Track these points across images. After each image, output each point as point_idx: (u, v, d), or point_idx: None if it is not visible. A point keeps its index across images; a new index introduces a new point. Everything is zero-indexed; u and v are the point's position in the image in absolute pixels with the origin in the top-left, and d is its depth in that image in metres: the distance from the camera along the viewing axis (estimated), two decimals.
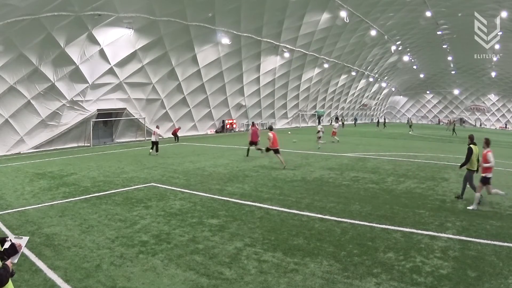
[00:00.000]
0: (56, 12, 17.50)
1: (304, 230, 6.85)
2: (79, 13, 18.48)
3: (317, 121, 52.27)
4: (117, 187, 10.71)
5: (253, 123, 21.24)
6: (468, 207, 8.55)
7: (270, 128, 15.66)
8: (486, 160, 8.54)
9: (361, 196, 9.59)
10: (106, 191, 10.20)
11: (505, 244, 6.18)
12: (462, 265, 5.32)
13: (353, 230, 6.90)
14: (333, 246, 6.06)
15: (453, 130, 41.00)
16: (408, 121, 53.86)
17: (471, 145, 9.39)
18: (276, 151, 14.60)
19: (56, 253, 5.81)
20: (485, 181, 8.58)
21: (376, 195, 9.72)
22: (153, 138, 18.61)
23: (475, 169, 9.24)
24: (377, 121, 60.27)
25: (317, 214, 7.90)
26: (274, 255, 5.72)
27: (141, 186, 10.93)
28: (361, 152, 18.28)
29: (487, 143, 8.94)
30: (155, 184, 11.09)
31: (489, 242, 6.27)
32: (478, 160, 9.23)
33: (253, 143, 17.09)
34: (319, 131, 22.49)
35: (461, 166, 9.50)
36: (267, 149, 14.94)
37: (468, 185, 9.42)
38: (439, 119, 68.95)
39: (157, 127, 19.82)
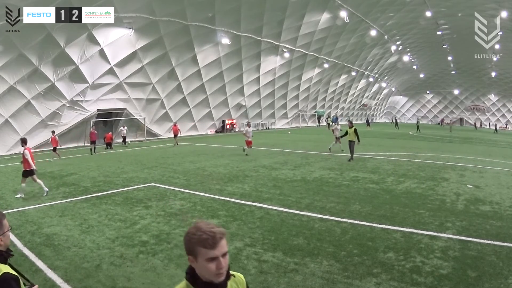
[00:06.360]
0: None
1: (304, 230, 6.84)
2: None
3: (317, 120, 52.18)
4: (117, 187, 10.71)
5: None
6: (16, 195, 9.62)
7: None
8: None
9: (361, 196, 9.58)
10: (106, 191, 10.20)
11: (505, 244, 6.16)
12: (462, 265, 5.31)
13: (353, 230, 6.89)
14: (333, 246, 6.05)
15: (417, 127, 41.69)
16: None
17: (349, 128, 16.17)
18: None
19: (56, 253, 5.80)
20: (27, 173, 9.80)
21: (376, 195, 9.71)
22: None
23: (353, 140, 15.81)
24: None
25: (317, 214, 7.89)
26: (274, 255, 5.71)
27: (141, 186, 10.93)
28: (361, 152, 18.23)
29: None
30: (155, 184, 11.08)
31: (489, 242, 6.25)
32: (348, 135, 16.16)
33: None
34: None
35: (342, 136, 17.35)
36: None
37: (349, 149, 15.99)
38: (442, 120, 68.54)
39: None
